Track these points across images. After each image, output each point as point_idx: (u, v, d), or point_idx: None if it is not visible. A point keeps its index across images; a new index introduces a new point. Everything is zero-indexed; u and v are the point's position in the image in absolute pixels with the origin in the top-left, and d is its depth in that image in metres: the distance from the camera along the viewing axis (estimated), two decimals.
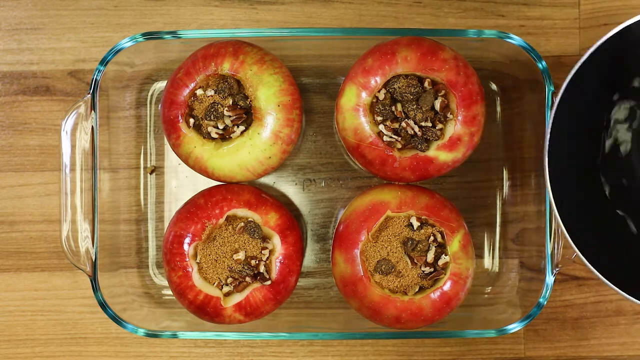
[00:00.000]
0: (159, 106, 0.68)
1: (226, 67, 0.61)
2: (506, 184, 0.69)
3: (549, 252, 0.62)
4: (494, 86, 0.69)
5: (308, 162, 0.70)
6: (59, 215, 0.63)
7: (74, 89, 0.70)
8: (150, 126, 0.70)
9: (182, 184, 0.70)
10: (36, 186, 0.71)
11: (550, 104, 0.62)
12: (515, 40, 0.62)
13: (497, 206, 0.70)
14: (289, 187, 0.70)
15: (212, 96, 0.62)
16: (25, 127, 0.71)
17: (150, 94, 0.70)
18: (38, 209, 0.71)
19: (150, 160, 0.70)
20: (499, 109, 0.69)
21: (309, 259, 0.70)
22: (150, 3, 0.70)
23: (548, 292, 0.63)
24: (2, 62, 0.70)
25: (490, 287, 0.70)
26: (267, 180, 0.70)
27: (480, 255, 0.69)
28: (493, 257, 0.70)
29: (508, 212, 0.69)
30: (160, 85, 0.69)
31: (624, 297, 0.55)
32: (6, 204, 0.71)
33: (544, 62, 0.62)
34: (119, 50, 0.63)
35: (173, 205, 0.70)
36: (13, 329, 0.71)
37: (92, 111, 0.63)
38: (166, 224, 0.68)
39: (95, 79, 0.63)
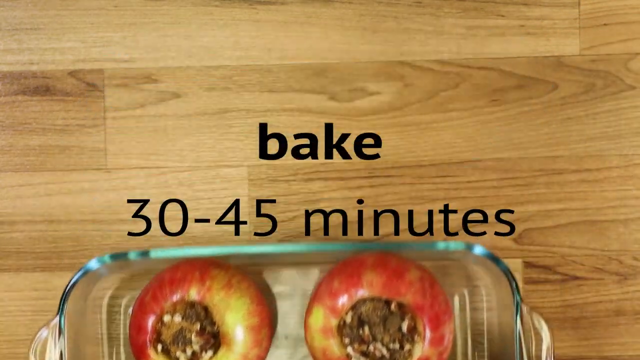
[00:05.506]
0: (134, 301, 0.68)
1: (193, 293, 0.61)
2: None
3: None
4: (464, 290, 0.69)
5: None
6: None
7: (74, 89, 0.70)
8: (120, 342, 0.69)
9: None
10: (36, 186, 0.71)
11: (518, 312, 0.60)
12: (480, 251, 0.61)
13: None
14: None
15: (179, 322, 0.61)
16: (25, 127, 0.71)
17: (120, 302, 0.69)
18: (38, 209, 0.71)
19: None
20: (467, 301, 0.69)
21: None
22: (150, 3, 0.70)
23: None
24: (2, 62, 0.71)
25: (490, 288, 0.70)
26: None
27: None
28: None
29: (508, 212, 0.69)
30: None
31: None
32: (6, 204, 0.71)
33: (511, 277, 0.61)
34: (86, 272, 0.61)
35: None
36: (13, 329, 0.71)
37: (60, 335, 0.61)
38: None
39: (64, 298, 0.61)
